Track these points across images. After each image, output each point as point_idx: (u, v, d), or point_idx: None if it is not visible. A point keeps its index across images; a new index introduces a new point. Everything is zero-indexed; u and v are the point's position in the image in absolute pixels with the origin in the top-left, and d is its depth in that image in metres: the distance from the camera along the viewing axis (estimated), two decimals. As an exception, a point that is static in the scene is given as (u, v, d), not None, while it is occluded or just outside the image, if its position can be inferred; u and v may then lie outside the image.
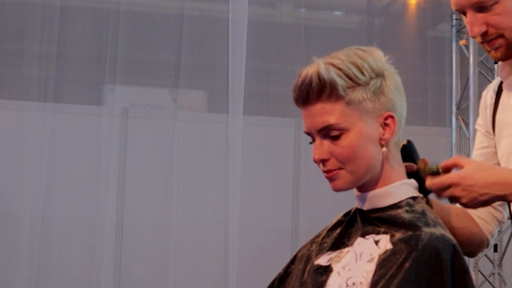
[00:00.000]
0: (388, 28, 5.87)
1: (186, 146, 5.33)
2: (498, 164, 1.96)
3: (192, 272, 5.28)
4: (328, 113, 1.62)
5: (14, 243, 5.10)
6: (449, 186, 1.69)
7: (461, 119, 5.48)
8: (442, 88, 5.76)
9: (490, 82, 5.98)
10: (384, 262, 1.57)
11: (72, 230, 5.17)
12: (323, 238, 1.75)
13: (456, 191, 1.68)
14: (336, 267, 1.65)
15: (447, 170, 1.71)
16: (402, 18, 5.94)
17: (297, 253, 1.79)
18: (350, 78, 1.62)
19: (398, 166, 1.69)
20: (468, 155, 5.27)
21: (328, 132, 1.63)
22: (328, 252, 1.70)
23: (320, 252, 1.72)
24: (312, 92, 1.62)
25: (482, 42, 1.88)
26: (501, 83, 2.00)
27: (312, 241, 1.78)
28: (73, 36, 5.39)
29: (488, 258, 5.42)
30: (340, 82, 1.61)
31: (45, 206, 5.14)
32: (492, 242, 2.00)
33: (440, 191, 1.70)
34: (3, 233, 5.11)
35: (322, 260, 1.69)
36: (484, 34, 1.85)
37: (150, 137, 5.37)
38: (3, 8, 5.34)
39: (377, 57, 1.66)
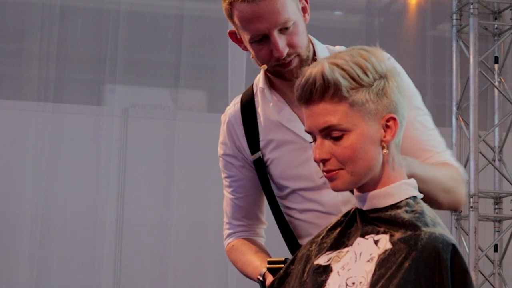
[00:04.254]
0: (388, 28, 5.87)
1: (186, 146, 5.33)
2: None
3: (192, 272, 5.28)
4: (330, 113, 1.62)
5: (14, 243, 5.10)
6: None
7: (461, 119, 5.48)
8: (442, 88, 5.76)
9: (490, 82, 5.98)
10: (383, 262, 1.57)
11: (72, 230, 5.16)
12: (322, 238, 1.75)
13: None
14: (335, 267, 1.65)
15: None
16: (402, 18, 5.93)
17: (297, 253, 1.80)
18: (354, 79, 1.61)
19: (398, 167, 1.69)
20: (468, 155, 5.27)
21: (330, 132, 1.63)
22: (328, 252, 1.70)
23: (319, 252, 1.72)
24: (315, 92, 1.62)
25: (277, 65, 1.96)
26: (249, 104, 2.11)
27: (311, 241, 1.78)
28: (73, 36, 5.38)
29: (488, 258, 5.41)
30: (344, 83, 1.61)
31: (45, 206, 5.14)
32: None
33: None
34: (3, 233, 5.11)
35: (321, 260, 1.69)
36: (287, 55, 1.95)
37: (150, 137, 5.37)
38: (3, 8, 5.34)
39: (381, 58, 1.65)
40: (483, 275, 5.28)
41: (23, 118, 5.23)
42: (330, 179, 1.66)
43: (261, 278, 2.02)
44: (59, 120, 5.25)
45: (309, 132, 1.67)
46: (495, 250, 5.49)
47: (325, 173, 1.67)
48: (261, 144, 2.11)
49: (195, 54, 5.49)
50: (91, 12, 5.45)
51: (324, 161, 1.65)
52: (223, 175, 2.24)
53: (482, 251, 5.27)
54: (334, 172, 1.65)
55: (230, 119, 2.19)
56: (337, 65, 1.61)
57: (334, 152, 1.64)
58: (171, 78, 5.49)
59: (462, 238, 5.41)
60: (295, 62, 1.96)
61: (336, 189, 1.67)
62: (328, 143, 1.64)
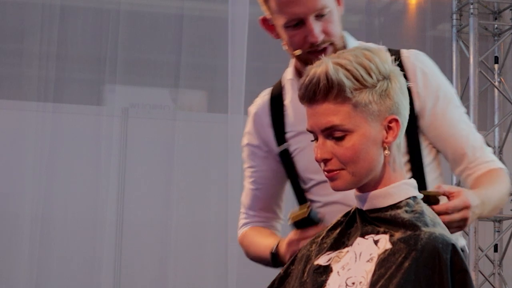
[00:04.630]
0: (388, 28, 5.87)
1: (186, 146, 5.33)
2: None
3: (192, 272, 5.28)
4: (333, 113, 1.62)
5: (14, 243, 5.10)
6: (462, 209, 1.77)
7: (461, 119, 5.47)
8: (442, 88, 5.75)
9: (490, 82, 5.98)
10: (383, 262, 1.57)
11: (72, 230, 5.16)
12: (322, 238, 1.75)
13: (468, 214, 1.78)
14: (335, 267, 1.65)
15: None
16: (402, 18, 5.93)
17: (297, 253, 1.79)
18: (357, 80, 1.61)
19: (399, 168, 1.69)
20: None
21: (332, 133, 1.63)
22: (328, 252, 1.70)
23: (319, 252, 1.72)
24: (319, 92, 1.62)
25: (310, 52, 1.97)
26: (278, 96, 2.11)
27: (312, 242, 1.78)
28: (73, 36, 5.38)
29: (488, 258, 5.41)
30: (348, 83, 1.60)
31: (45, 206, 5.14)
32: None
33: (453, 214, 1.77)
34: (3, 233, 5.11)
35: (321, 260, 1.69)
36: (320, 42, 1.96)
37: (150, 137, 5.37)
38: (3, 8, 5.34)
39: (384, 58, 1.65)
40: (483, 275, 5.28)
41: (23, 118, 5.23)
42: (331, 179, 1.67)
43: (273, 251, 2.00)
44: (59, 120, 5.25)
45: (310, 131, 1.67)
46: (495, 250, 5.48)
47: (326, 173, 1.67)
48: (288, 135, 2.10)
49: (195, 54, 5.48)
50: (91, 12, 5.45)
51: (325, 161, 1.65)
52: (245, 165, 2.23)
53: (482, 251, 5.27)
54: (335, 172, 1.65)
55: (257, 110, 2.17)
56: (341, 65, 1.61)
57: (335, 152, 1.64)
58: (171, 78, 5.49)
59: (462, 238, 5.40)
60: (329, 51, 1.96)
61: (336, 189, 1.68)
62: (330, 143, 1.64)
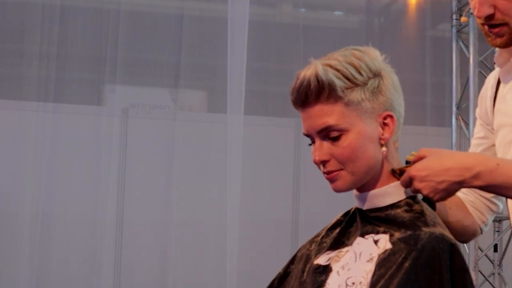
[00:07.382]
0: (388, 28, 5.87)
1: (186, 146, 5.34)
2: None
3: (192, 272, 5.28)
4: (327, 114, 1.62)
5: (15, 243, 5.11)
6: (410, 181, 1.66)
7: (461, 119, 5.48)
8: (442, 88, 5.76)
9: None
10: (383, 262, 1.57)
11: (72, 230, 5.17)
12: (322, 237, 1.75)
13: (416, 184, 1.65)
14: (335, 267, 1.65)
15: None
16: (402, 18, 5.94)
17: (297, 253, 1.79)
18: (348, 78, 1.62)
19: (397, 165, 1.69)
20: (468, 155, 5.26)
21: (328, 133, 1.63)
22: (328, 252, 1.70)
23: (319, 251, 1.72)
24: (310, 94, 1.62)
25: (483, 24, 1.82)
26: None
27: (311, 241, 1.78)
28: (73, 36, 5.39)
29: (488, 258, 5.41)
30: (339, 83, 1.61)
31: (45, 206, 5.15)
32: (485, 229, 1.97)
33: (409, 187, 1.67)
34: (3, 233, 5.12)
35: (321, 260, 1.69)
36: (489, 18, 1.80)
37: (150, 137, 5.38)
38: (3, 8, 5.34)
39: (374, 56, 1.66)
40: (483, 275, 5.28)
41: (23, 118, 5.23)
42: (331, 180, 1.66)
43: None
44: (59, 120, 5.25)
45: (307, 135, 1.68)
46: (495, 250, 5.48)
47: (325, 175, 1.67)
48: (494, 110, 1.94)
49: (195, 54, 5.49)
50: (91, 12, 5.45)
51: (324, 163, 1.65)
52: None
53: (482, 251, 5.27)
54: (335, 173, 1.65)
55: (491, 76, 1.99)
56: (331, 66, 1.62)
57: (333, 152, 1.64)
58: (171, 78, 5.49)
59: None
60: (502, 31, 1.80)
61: (337, 190, 1.68)
62: (326, 144, 1.64)
